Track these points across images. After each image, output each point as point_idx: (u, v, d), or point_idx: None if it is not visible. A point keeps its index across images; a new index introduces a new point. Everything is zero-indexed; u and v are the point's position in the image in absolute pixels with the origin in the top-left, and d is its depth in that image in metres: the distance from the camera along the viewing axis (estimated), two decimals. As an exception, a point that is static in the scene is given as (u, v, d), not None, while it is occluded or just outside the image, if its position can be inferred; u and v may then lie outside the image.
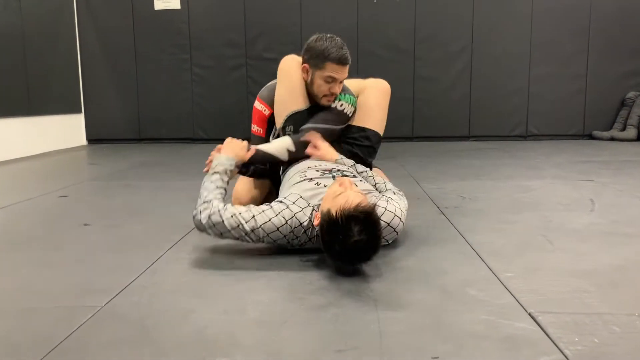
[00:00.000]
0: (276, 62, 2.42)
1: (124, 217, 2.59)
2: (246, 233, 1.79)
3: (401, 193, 2.10)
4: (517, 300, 1.46)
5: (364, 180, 2.12)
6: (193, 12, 6.43)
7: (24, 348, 1.24)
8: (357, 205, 1.58)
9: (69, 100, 6.34)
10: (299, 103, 2.35)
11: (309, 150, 2.29)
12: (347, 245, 1.56)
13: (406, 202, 2.04)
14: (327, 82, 2.28)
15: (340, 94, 2.37)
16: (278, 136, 2.43)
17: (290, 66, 2.37)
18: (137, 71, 6.57)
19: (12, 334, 1.32)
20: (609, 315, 1.35)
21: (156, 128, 6.66)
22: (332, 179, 2.00)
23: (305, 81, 2.35)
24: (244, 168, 2.24)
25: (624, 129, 6.27)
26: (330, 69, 2.25)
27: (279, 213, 1.81)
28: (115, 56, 6.56)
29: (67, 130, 6.32)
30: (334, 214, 1.58)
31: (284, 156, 2.28)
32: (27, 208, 2.85)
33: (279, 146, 2.29)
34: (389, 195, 2.00)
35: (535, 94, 6.42)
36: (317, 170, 2.08)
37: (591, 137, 6.43)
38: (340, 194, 1.67)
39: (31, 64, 5.51)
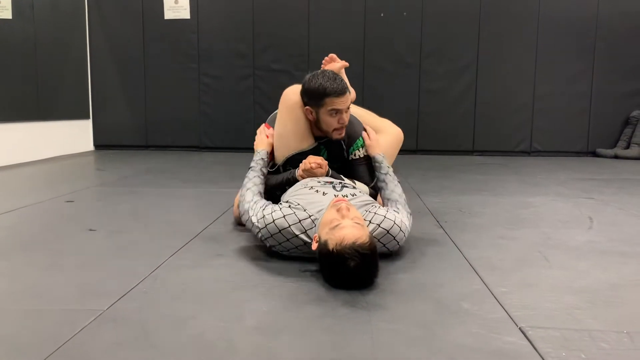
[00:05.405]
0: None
1: (129, 223, 2.64)
2: (259, 229, 1.95)
3: (409, 211, 2.15)
4: (509, 314, 1.49)
5: (363, 193, 2.16)
6: (202, 23, 6.53)
7: (28, 348, 1.28)
8: (354, 243, 1.61)
9: (77, 106, 6.44)
10: (304, 143, 2.37)
11: (364, 134, 2.38)
12: (343, 278, 1.66)
13: (411, 219, 2.10)
14: (333, 116, 2.29)
15: (352, 145, 2.40)
16: (276, 169, 2.45)
17: (294, 103, 2.34)
18: (145, 79, 6.66)
19: (17, 334, 1.37)
20: (599, 332, 1.38)
21: (163, 135, 6.74)
22: (331, 188, 2.06)
23: (312, 121, 2.35)
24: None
25: (627, 147, 6.29)
26: (331, 103, 2.26)
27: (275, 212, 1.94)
28: (124, 64, 6.65)
29: (75, 135, 6.41)
30: (331, 250, 1.64)
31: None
32: (34, 212, 2.90)
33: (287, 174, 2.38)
34: (395, 207, 2.10)
35: (540, 110, 6.46)
36: (319, 181, 2.15)
37: (595, 154, 6.45)
38: (337, 225, 1.70)
39: (42, 69, 5.61)
